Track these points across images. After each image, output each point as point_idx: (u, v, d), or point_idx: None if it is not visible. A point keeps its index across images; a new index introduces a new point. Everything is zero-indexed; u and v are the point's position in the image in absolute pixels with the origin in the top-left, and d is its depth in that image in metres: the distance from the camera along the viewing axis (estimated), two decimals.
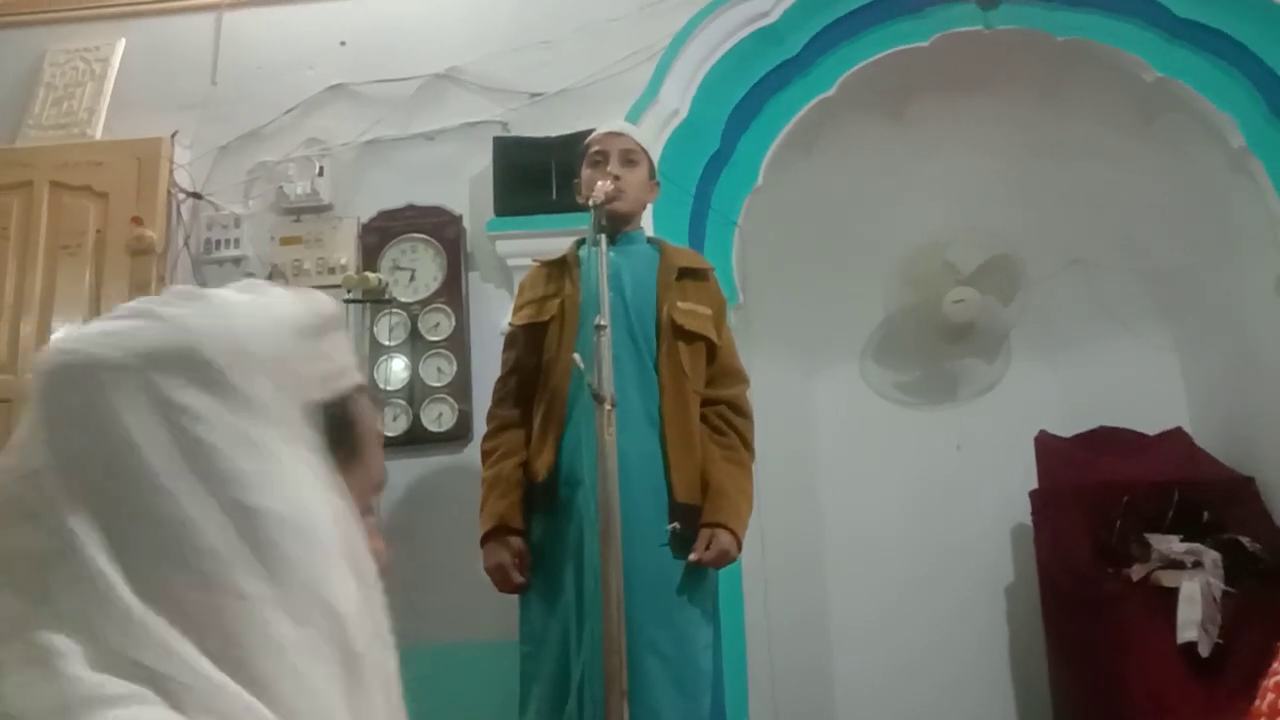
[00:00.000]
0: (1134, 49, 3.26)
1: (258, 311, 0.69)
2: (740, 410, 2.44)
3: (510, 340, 2.53)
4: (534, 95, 3.51)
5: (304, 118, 3.64)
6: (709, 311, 2.43)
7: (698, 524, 2.29)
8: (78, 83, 3.75)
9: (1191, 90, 3.24)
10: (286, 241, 3.53)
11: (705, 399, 2.40)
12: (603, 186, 2.29)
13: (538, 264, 2.56)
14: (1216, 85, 3.22)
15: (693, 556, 2.23)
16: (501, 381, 2.53)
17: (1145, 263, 3.73)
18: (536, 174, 3.29)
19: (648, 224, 2.78)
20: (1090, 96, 3.61)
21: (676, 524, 2.26)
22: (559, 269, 2.48)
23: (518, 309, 2.52)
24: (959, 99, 3.68)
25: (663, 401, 2.33)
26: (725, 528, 2.26)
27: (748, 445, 2.43)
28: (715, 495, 2.29)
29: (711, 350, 2.42)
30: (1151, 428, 3.52)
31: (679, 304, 2.38)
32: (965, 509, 3.68)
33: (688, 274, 2.45)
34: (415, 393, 3.28)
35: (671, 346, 2.35)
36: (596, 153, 2.47)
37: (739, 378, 2.49)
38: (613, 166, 2.41)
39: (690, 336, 2.37)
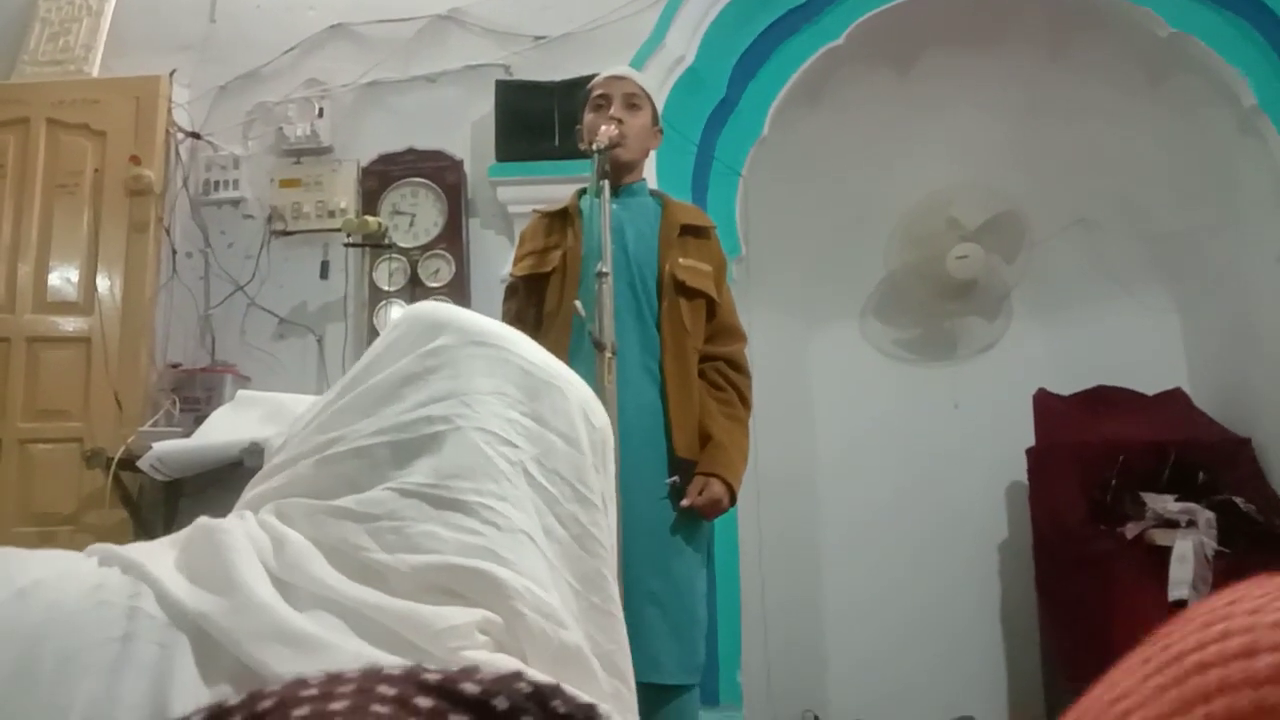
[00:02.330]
0: (1148, 2, 3.21)
1: None
2: (738, 366, 2.43)
3: (510, 291, 2.50)
4: (538, 39, 3.46)
5: (304, 58, 3.59)
6: (709, 269, 2.40)
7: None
8: (74, 18, 3.68)
9: (1204, 46, 3.20)
10: (286, 184, 3.50)
11: (704, 355, 2.38)
12: (605, 131, 2.25)
13: (538, 214, 2.52)
14: (1230, 42, 3.17)
15: (685, 501, 2.23)
16: None
17: (1149, 225, 3.70)
18: (539, 119, 3.25)
19: (650, 173, 2.75)
20: (1099, 56, 3.56)
21: (676, 478, 2.26)
22: (560, 220, 2.44)
23: (518, 260, 2.49)
24: (967, 54, 3.62)
25: (664, 357, 2.31)
26: (719, 478, 2.26)
27: (745, 402, 2.41)
28: (712, 448, 2.29)
29: (711, 308, 2.40)
30: (1150, 388, 3.51)
31: (680, 260, 2.35)
32: (962, 466, 3.69)
33: (690, 231, 2.42)
34: None
35: (673, 302, 2.33)
36: (599, 97, 2.42)
37: (737, 335, 2.47)
38: (615, 110, 2.37)
39: (691, 293, 2.35)
